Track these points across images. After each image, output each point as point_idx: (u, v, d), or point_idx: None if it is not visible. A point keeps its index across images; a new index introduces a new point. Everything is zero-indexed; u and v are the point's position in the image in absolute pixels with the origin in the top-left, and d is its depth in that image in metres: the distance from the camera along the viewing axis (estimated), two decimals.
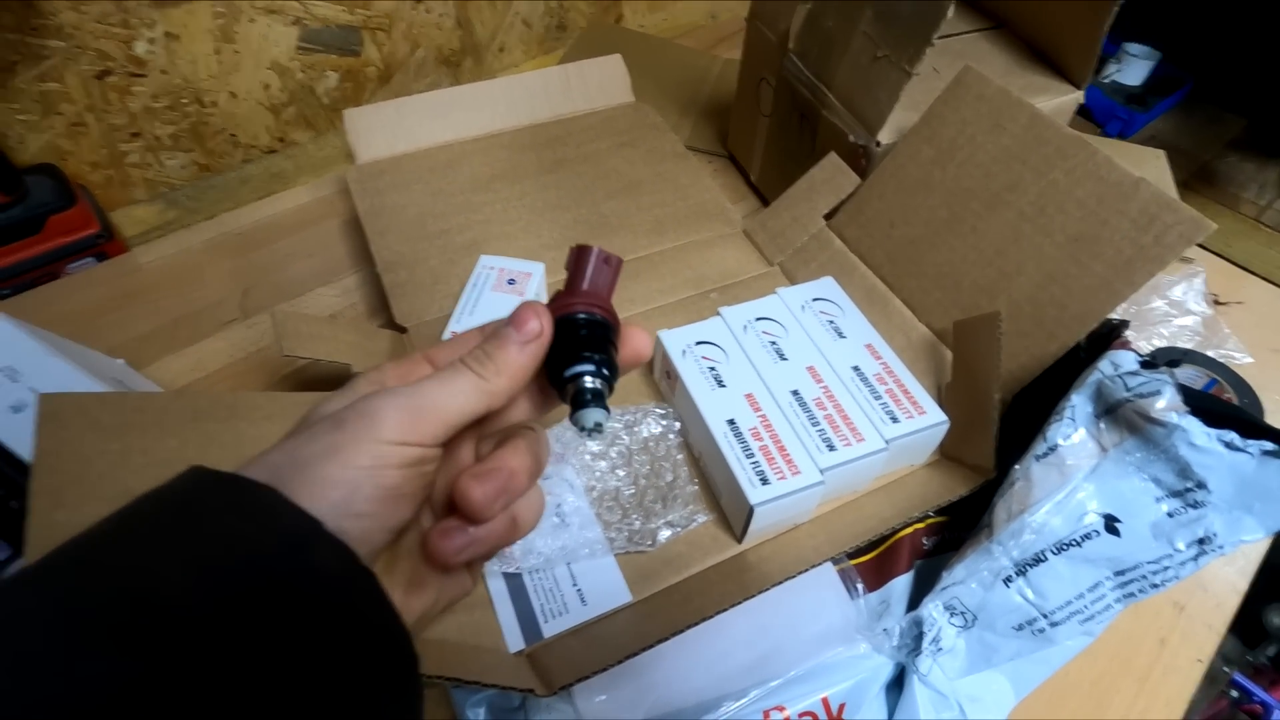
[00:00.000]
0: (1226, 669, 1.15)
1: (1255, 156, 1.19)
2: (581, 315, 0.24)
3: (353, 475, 0.19)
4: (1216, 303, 0.60)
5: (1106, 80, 1.21)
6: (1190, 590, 0.43)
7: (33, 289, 0.54)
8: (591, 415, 0.23)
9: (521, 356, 0.22)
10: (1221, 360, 0.53)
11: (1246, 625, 1.25)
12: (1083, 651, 0.38)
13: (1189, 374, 0.51)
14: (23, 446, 0.35)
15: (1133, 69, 1.19)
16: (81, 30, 0.54)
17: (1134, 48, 1.19)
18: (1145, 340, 0.55)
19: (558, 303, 0.24)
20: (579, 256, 0.25)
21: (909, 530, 0.37)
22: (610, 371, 0.23)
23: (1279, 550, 0.43)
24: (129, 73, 0.58)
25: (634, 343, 0.24)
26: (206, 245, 0.58)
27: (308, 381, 0.48)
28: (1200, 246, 0.65)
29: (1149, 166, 0.72)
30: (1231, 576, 0.44)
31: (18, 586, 0.16)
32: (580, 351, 0.23)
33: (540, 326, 0.22)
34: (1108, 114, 1.16)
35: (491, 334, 0.22)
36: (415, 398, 0.20)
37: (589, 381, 0.23)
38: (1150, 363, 0.31)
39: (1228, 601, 0.43)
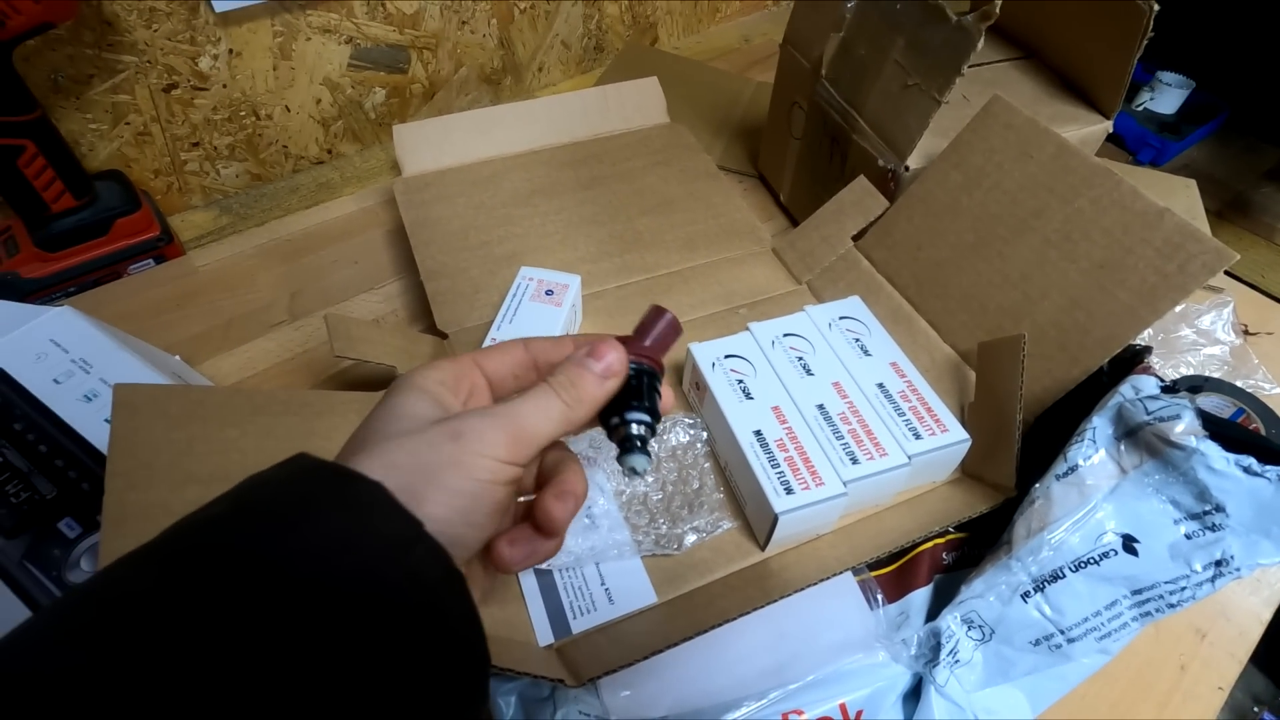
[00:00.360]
0: (1256, 709, 1.12)
1: None
2: (644, 366, 0.27)
3: (474, 488, 0.20)
4: (1246, 333, 0.60)
5: (1139, 108, 1.21)
6: (1212, 618, 0.43)
7: (96, 288, 0.57)
8: (638, 461, 0.26)
9: (599, 390, 0.24)
10: (1249, 390, 0.53)
11: (1276, 664, 1.22)
12: (1102, 674, 0.39)
13: (1216, 403, 0.52)
14: (91, 432, 0.38)
15: (1166, 97, 1.19)
16: (152, 46, 0.58)
17: (1168, 76, 1.19)
18: (1172, 369, 0.55)
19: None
20: (654, 314, 0.28)
21: (929, 545, 0.38)
22: (655, 420, 0.26)
23: None
24: (193, 86, 0.61)
25: (663, 398, 0.27)
26: (258, 250, 0.61)
27: (351, 382, 0.51)
28: (1233, 277, 0.65)
29: (1179, 195, 0.72)
30: (1256, 606, 0.44)
31: (139, 564, 0.17)
32: (632, 400, 0.26)
33: (618, 363, 0.24)
34: (1140, 142, 1.16)
35: (573, 361, 0.24)
36: (516, 420, 0.22)
37: (637, 429, 0.26)
38: (1171, 388, 0.32)
39: (1251, 631, 0.43)
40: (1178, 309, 0.59)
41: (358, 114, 0.72)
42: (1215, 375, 0.55)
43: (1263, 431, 0.50)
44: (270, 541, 0.17)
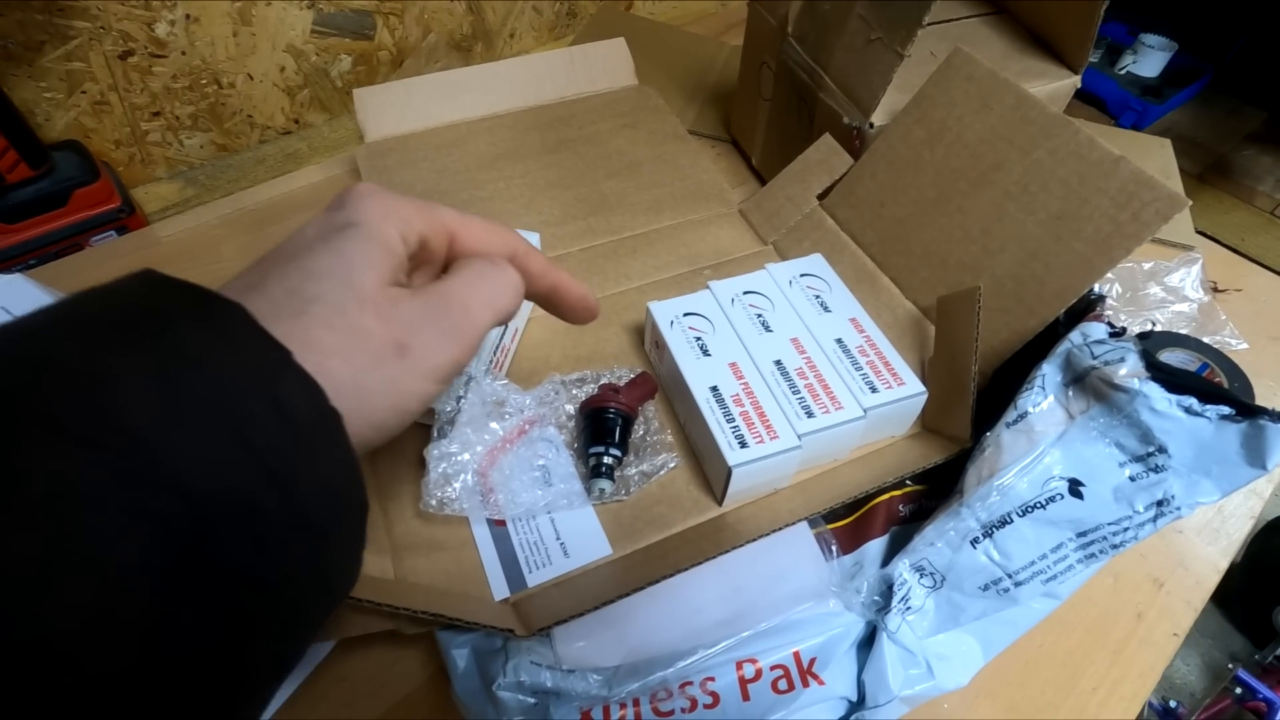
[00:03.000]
0: (1231, 666, 1.14)
1: (1274, 150, 1.18)
2: (618, 411, 0.37)
3: (399, 420, 0.19)
4: (1215, 290, 0.61)
5: (1122, 71, 1.20)
6: (1170, 568, 0.44)
7: (57, 259, 0.56)
8: (605, 484, 0.36)
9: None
10: (1216, 346, 0.54)
11: (1255, 626, 1.25)
12: (1059, 623, 0.39)
13: (1182, 358, 0.52)
14: None
15: (1149, 60, 1.18)
16: (105, 11, 0.56)
17: (1150, 38, 1.18)
18: (1140, 325, 0.55)
19: (604, 394, 0.38)
20: (644, 378, 0.41)
21: (885, 497, 0.38)
22: (622, 454, 0.37)
23: None
24: (150, 53, 0.60)
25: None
26: (223, 220, 0.60)
27: None
28: (1212, 239, 0.65)
29: (1154, 155, 0.72)
30: (1213, 555, 0.45)
31: None
32: (607, 438, 0.37)
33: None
34: (1122, 105, 1.15)
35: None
36: (470, 332, 0.21)
37: (608, 460, 0.37)
38: (1119, 333, 0.32)
39: (1207, 579, 0.44)
40: (1146, 266, 0.60)
41: (324, 82, 0.71)
42: (1182, 331, 0.55)
43: (1226, 385, 0.50)
44: (106, 353, 0.14)
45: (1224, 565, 0.45)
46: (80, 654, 0.12)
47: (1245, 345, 0.55)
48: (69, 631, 0.12)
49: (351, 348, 0.18)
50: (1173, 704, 1.14)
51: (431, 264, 0.23)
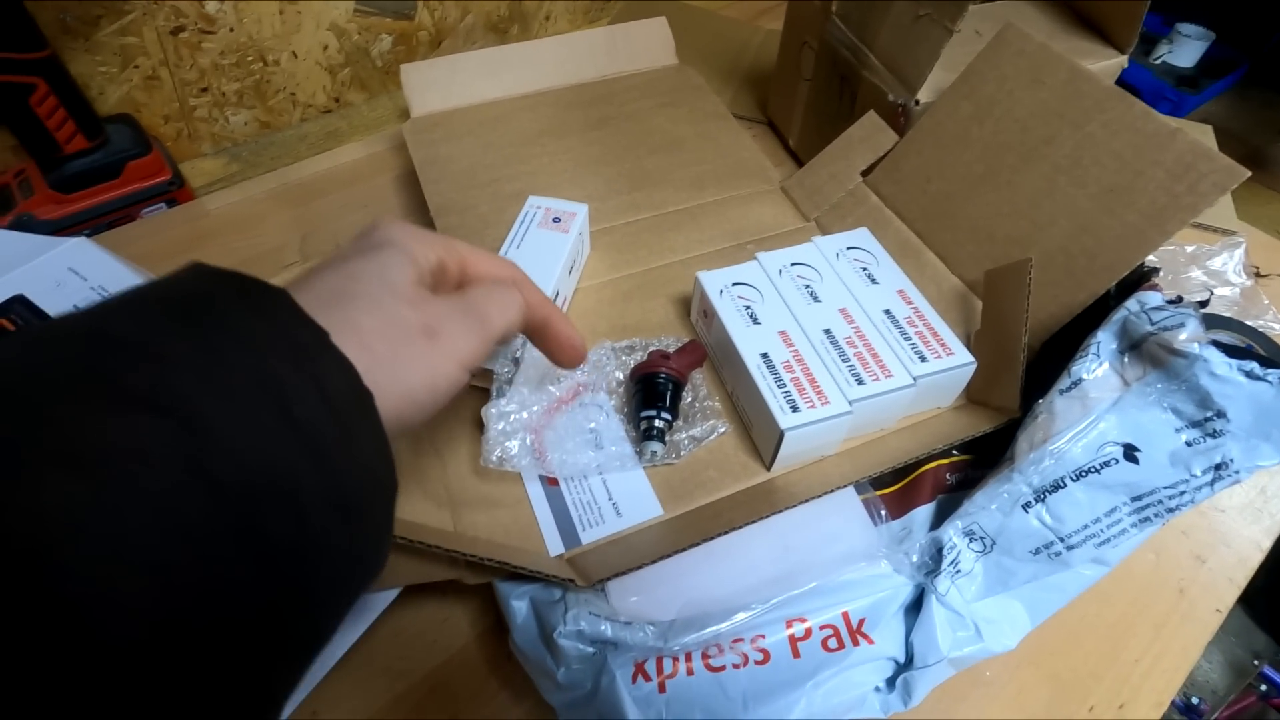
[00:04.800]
0: (1256, 663, 1.13)
1: None
2: (668, 376, 0.38)
3: (431, 398, 0.21)
4: (1257, 274, 0.60)
5: (1157, 61, 1.18)
6: (1213, 545, 0.44)
7: (110, 230, 0.58)
8: (656, 447, 0.37)
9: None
10: (1260, 330, 0.53)
11: (1276, 620, 1.23)
12: (1100, 597, 0.39)
13: (1226, 340, 0.52)
14: None
15: (1185, 50, 1.16)
16: None
17: (1187, 28, 1.16)
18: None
19: (655, 360, 0.39)
20: (693, 345, 0.42)
21: (933, 465, 0.38)
22: (672, 418, 0.38)
23: None
24: (200, 30, 0.61)
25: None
26: (268, 194, 0.61)
27: None
28: (1250, 223, 0.64)
29: None
30: (1256, 535, 0.45)
31: (28, 350, 0.15)
32: (659, 402, 0.37)
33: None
34: (1157, 95, 1.14)
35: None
36: (489, 327, 0.24)
37: (659, 424, 0.37)
38: (1175, 301, 0.32)
39: (1250, 558, 0.44)
40: (1188, 249, 0.59)
41: (365, 61, 0.72)
42: (1225, 314, 0.55)
43: None
44: (163, 333, 0.15)
45: (1267, 545, 0.45)
46: (143, 604, 0.13)
47: None
48: (134, 581, 0.13)
49: (388, 328, 0.20)
50: (1195, 700, 1.13)
51: (446, 285, 0.25)
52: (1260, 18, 1.19)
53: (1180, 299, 0.32)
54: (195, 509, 0.14)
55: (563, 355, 0.29)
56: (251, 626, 0.15)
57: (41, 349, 0.15)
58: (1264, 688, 1.09)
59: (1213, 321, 0.51)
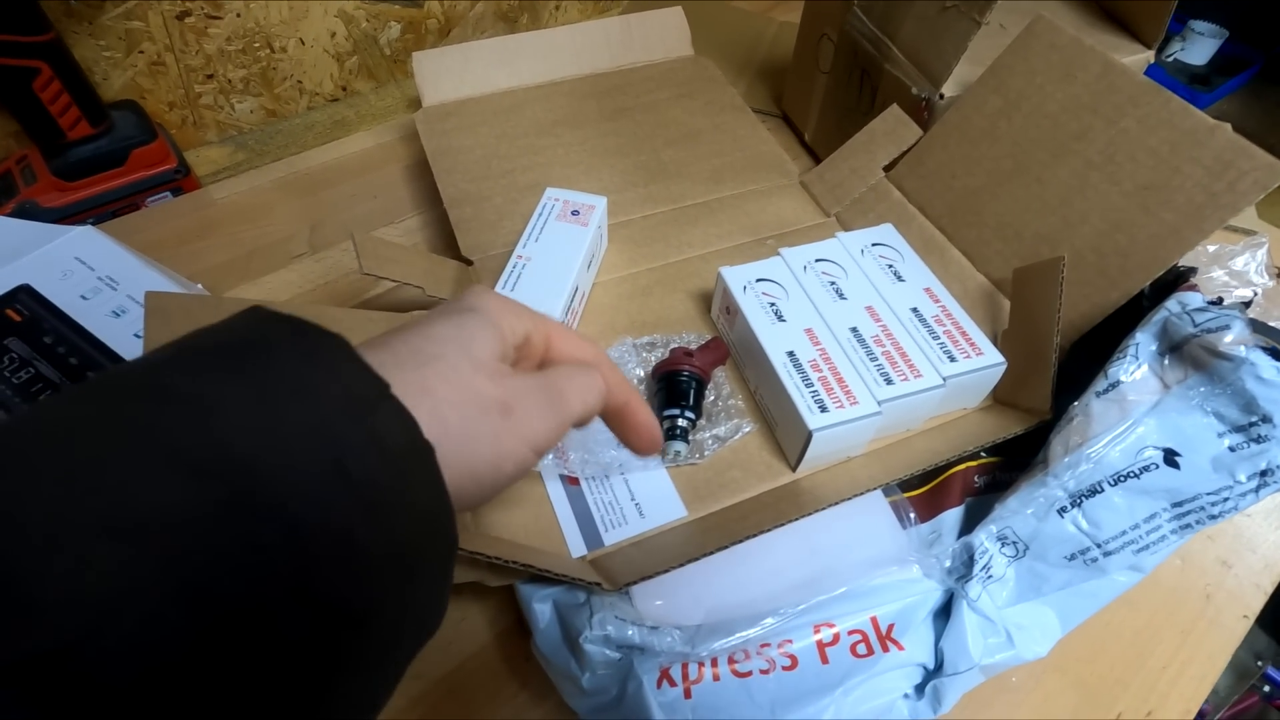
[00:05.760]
0: (1259, 664, 1.13)
1: None
2: (691, 374, 0.37)
3: (496, 477, 0.20)
4: (1279, 276, 0.59)
5: (1169, 59, 1.17)
6: (1238, 551, 0.43)
7: (114, 219, 0.56)
8: (680, 446, 0.36)
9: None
10: None
11: (1278, 623, 1.23)
12: (1127, 603, 0.39)
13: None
14: (121, 346, 0.38)
15: (1198, 47, 1.15)
16: None
17: (1200, 25, 1.15)
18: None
19: (677, 358, 0.38)
20: (716, 342, 0.41)
21: (961, 467, 0.38)
22: (698, 418, 0.37)
23: None
24: (206, 14, 0.60)
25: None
26: (276, 184, 0.60)
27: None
28: (1271, 224, 0.64)
29: None
30: None
31: (80, 404, 0.15)
32: (682, 400, 0.37)
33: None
34: None
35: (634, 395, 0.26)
36: (566, 411, 0.23)
37: (683, 423, 0.36)
38: (1216, 302, 0.31)
39: (1277, 562, 0.43)
40: (1210, 249, 0.58)
41: (373, 50, 0.71)
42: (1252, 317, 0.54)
43: None
44: (217, 383, 0.15)
45: None
46: (182, 679, 0.13)
47: None
48: (170, 657, 0.13)
49: (463, 400, 0.19)
50: None
51: (529, 360, 0.24)
52: (1274, 15, 1.18)
53: (1221, 300, 0.31)
54: (245, 573, 0.14)
55: (640, 443, 0.27)
56: (303, 688, 0.15)
57: (94, 402, 0.15)
58: (1267, 689, 1.09)
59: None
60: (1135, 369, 0.32)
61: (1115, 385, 0.32)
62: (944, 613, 0.34)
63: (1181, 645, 0.39)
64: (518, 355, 0.23)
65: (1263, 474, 0.29)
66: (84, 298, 0.39)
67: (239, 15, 0.61)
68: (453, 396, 0.19)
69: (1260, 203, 0.66)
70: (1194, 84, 1.14)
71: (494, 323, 0.22)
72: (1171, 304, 0.32)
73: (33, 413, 0.15)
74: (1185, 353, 0.31)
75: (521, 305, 0.24)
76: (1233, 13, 1.15)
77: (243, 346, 0.16)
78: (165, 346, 0.16)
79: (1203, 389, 0.30)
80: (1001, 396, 0.41)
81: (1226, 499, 0.29)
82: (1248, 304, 0.31)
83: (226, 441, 0.14)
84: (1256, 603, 0.42)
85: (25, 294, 0.39)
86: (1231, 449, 0.30)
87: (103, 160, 0.55)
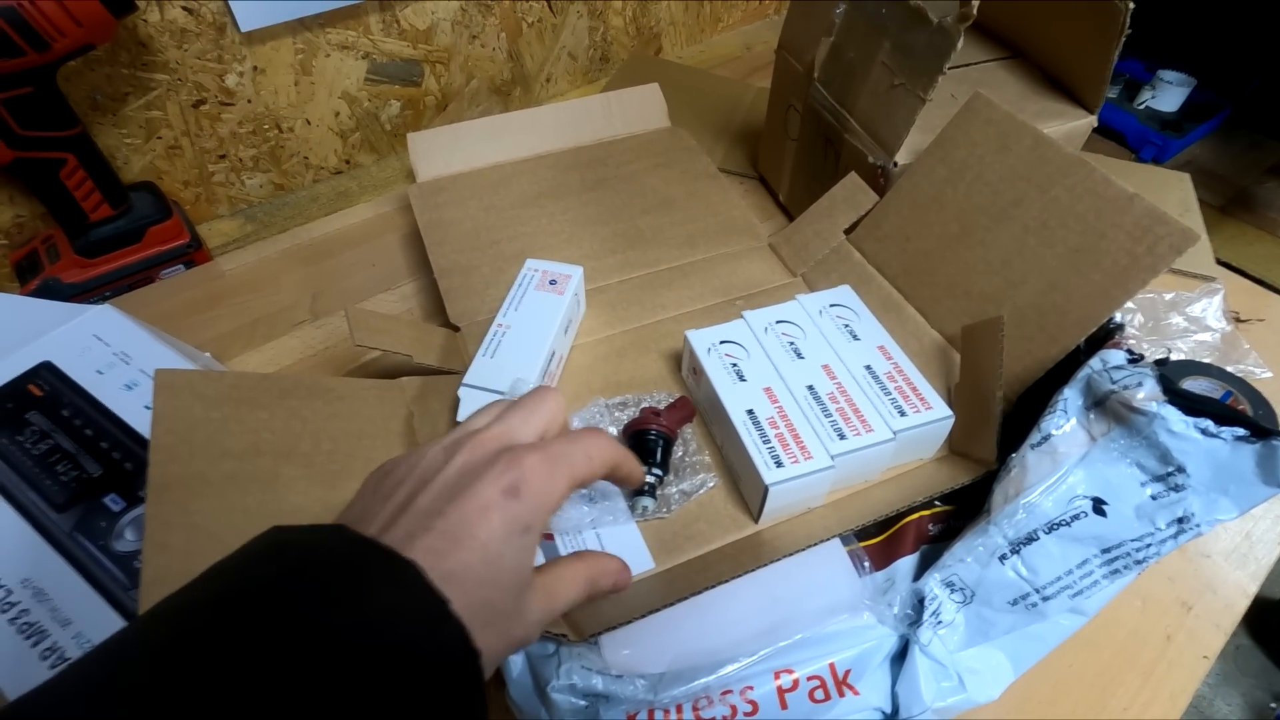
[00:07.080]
0: (1274, 705, 1.11)
1: None
2: (659, 433, 0.40)
3: (525, 633, 0.25)
4: (1237, 320, 0.62)
5: (1141, 106, 1.22)
6: (1199, 592, 0.44)
7: (130, 291, 0.61)
8: (647, 502, 0.39)
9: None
10: (1240, 375, 0.55)
11: None
12: (1088, 644, 0.40)
13: (1206, 385, 0.53)
14: (132, 417, 0.41)
15: (1168, 95, 1.20)
16: (183, 65, 0.61)
17: (1169, 74, 1.20)
18: (1162, 354, 0.56)
19: (646, 417, 0.41)
20: (682, 401, 0.44)
21: (915, 516, 0.40)
22: (663, 473, 0.40)
23: None
24: (220, 102, 0.65)
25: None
26: (281, 254, 0.64)
27: (368, 375, 0.53)
28: (1236, 270, 0.66)
29: (1173, 189, 0.74)
30: (1242, 580, 0.45)
31: (192, 615, 0.19)
32: (649, 459, 0.39)
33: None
34: (1142, 140, 1.17)
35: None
36: (596, 581, 0.29)
37: (650, 479, 0.39)
38: (1136, 359, 0.33)
39: (1237, 603, 0.44)
40: (1167, 297, 0.61)
41: (374, 126, 0.76)
42: (1205, 360, 0.56)
43: (1250, 413, 0.51)
44: (332, 610, 0.19)
45: (1253, 590, 0.45)
46: None
47: (1269, 374, 0.56)
48: None
49: (498, 610, 0.23)
50: None
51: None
52: (1239, 63, 1.22)
53: (1141, 357, 0.33)
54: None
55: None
56: None
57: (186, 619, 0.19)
58: None
59: (1191, 368, 0.53)
60: (1065, 423, 0.34)
61: (1047, 438, 0.34)
62: (900, 658, 0.36)
63: (1143, 686, 0.40)
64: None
65: (1180, 521, 0.31)
66: (99, 372, 0.42)
67: (250, 101, 0.67)
68: (493, 619, 0.23)
69: (1228, 240, 0.69)
70: (1166, 130, 1.18)
71: (535, 524, 0.25)
72: (1095, 361, 0.34)
73: (153, 631, 0.19)
74: (1108, 407, 0.33)
75: (556, 467, 0.26)
76: (1200, 61, 1.20)
77: (345, 574, 0.20)
78: (258, 557, 0.21)
79: (1124, 441, 0.32)
80: (956, 447, 0.43)
81: (1149, 545, 0.31)
82: (1163, 361, 0.34)
83: (335, 664, 0.18)
84: (1217, 644, 0.43)
85: (47, 370, 0.42)
86: (1153, 497, 0.32)
87: (121, 239, 0.60)
